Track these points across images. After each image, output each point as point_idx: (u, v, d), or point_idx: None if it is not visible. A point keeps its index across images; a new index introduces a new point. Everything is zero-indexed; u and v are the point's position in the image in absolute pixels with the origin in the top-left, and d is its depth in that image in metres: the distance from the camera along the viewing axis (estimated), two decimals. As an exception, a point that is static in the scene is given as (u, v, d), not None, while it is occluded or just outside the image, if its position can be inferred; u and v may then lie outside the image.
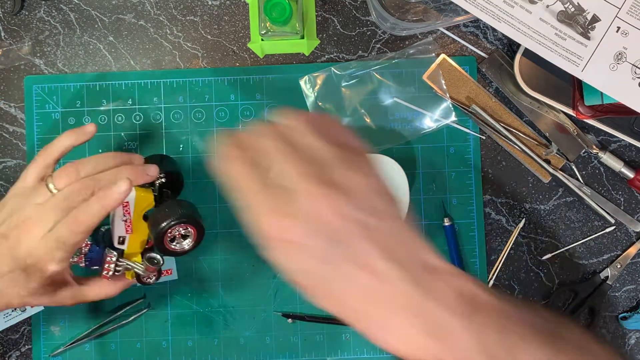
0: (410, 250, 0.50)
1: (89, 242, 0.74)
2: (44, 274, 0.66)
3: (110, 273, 0.72)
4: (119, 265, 0.72)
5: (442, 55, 0.83)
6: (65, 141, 0.71)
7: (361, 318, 0.48)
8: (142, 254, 0.73)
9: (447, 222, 0.82)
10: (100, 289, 0.73)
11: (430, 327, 0.47)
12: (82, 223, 0.65)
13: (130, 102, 0.83)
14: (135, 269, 0.73)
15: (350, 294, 0.47)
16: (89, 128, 0.72)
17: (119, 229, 0.72)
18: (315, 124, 0.51)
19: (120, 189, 0.66)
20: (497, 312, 0.48)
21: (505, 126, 0.83)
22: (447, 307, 0.47)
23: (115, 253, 0.72)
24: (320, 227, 0.47)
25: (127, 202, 0.70)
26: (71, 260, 0.72)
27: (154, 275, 0.75)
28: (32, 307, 0.71)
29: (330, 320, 0.83)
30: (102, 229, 0.76)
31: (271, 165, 0.49)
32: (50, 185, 0.67)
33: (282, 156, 0.48)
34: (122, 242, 0.72)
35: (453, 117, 0.84)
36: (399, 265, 0.47)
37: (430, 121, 0.84)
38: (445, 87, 0.83)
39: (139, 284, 0.75)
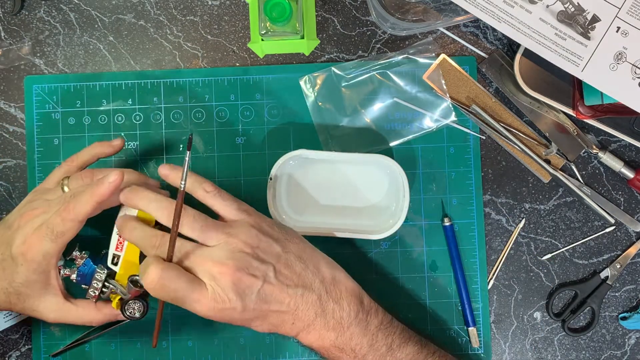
0: (313, 271, 0.67)
1: (85, 255, 0.73)
2: (31, 265, 0.67)
3: (97, 292, 0.71)
4: (106, 286, 0.72)
5: (442, 55, 0.83)
6: (91, 151, 0.75)
7: (290, 327, 0.67)
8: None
9: (447, 222, 0.83)
10: (84, 311, 0.72)
11: (338, 325, 0.67)
12: (72, 210, 0.67)
13: (130, 102, 0.83)
14: (119, 290, 0.71)
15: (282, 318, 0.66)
16: (117, 142, 0.76)
17: (112, 245, 0.72)
18: None
19: (110, 179, 0.67)
20: (384, 322, 0.70)
21: (505, 126, 0.83)
22: (354, 313, 0.67)
23: (105, 271, 0.72)
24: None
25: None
26: (63, 272, 0.72)
27: (140, 309, 0.72)
28: (14, 311, 0.70)
29: None
30: (103, 252, 0.76)
31: None
32: (65, 187, 0.71)
33: None
34: (115, 263, 0.72)
35: (453, 117, 0.84)
36: (304, 288, 0.66)
37: (430, 121, 0.84)
38: (445, 87, 0.83)
39: (124, 319, 0.73)
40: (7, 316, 0.82)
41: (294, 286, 0.65)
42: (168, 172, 0.68)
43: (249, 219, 0.67)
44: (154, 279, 0.62)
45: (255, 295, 0.64)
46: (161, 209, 0.66)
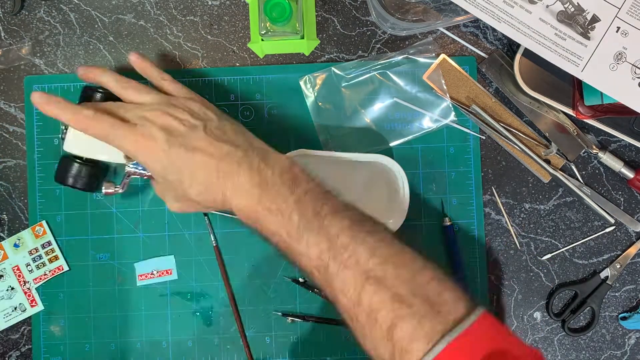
0: (243, 137, 0.69)
1: None
2: None
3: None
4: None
5: (442, 55, 0.83)
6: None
7: (217, 191, 0.67)
8: None
9: (447, 222, 0.83)
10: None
11: (263, 182, 0.65)
12: None
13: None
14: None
15: (196, 175, 0.67)
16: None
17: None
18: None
19: None
20: (316, 190, 0.66)
21: (505, 126, 0.83)
22: (278, 173, 0.66)
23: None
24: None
25: None
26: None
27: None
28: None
29: (330, 320, 0.83)
30: None
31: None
32: None
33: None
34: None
35: (453, 117, 0.84)
36: (231, 144, 0.67)
37: (430, 121, 0.84)
38: (445, 87, 0.83)
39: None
40: (7, 316, 0.82)
41: (221, 141, 0.67)
42: (135, 59, 0.76)
43: (194, 97, 0.72)
44: (87, 114, 0.68)
45: (181, 138, 0.67)
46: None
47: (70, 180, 0.78)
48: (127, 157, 0.76)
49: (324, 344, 0.83)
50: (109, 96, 0.75)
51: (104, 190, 0.78)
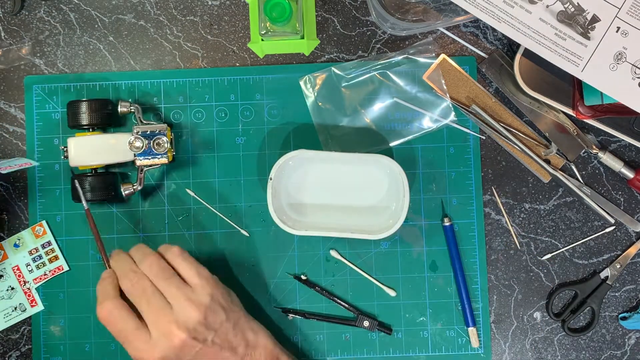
0: (243, 337, 0.74)
1: None
2: None
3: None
4: None
5: (442, 55, 0.83)
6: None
7: None
8: None
9: (446, 222, 0.83)
10: None
11: None
12: None
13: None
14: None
15: None
16: None
17: None
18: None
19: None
20: None
21: (505, 126, 0.83)
22: None
23: None
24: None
25: None
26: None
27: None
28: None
29: (330, 319, 0.83)
30: None
31: None
32: None
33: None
34: None
35: (453, 117, 0.84)
36: (232, 352, 0.72)
37: (430, 121, 0.84)
38: (445, 87, 0.83)
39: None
40: (7, 316, 0.82)
41: (225, 349, 0.72)
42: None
43: (207, 287, 0.72)
44: (109, 309, 0.70)
45: (193, 355, 0.70)
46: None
47: (89, 195, 0.79)
48: (135, 149, 0.77)
49: (324, 344, 0.83)
50: (95, 106, 0.78)
51: (124, 193, 0.79)
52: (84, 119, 0.79)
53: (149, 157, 0.78)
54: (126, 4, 0.84)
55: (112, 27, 0.84)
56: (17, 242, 0.83)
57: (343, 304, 0.83)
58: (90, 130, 0.80)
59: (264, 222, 0.83)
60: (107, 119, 0.80)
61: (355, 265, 0.83)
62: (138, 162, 0.78)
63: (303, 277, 0.83)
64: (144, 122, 0.80)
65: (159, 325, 0.69)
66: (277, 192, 0.80)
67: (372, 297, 0.84)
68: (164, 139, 0.78)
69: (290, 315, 0.83)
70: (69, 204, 0.83)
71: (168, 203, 0.84)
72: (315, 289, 0.83)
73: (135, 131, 0.78)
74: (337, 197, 0.82)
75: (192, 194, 0.83)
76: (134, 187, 0.79)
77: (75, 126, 0.80)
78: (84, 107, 0.78)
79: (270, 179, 0.79)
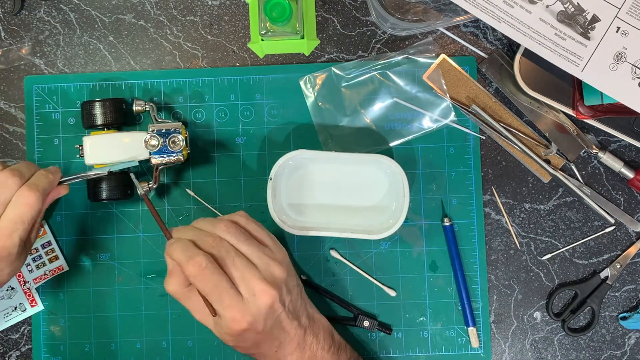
0: (306, 309, 0.74)
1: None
2: None
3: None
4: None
5: (442, 56, 0.83)
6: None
7: (272, 354, 0.71)
8: None
9: (446, 222, 0.83)
10: None
11: (310, 355, 0.72)
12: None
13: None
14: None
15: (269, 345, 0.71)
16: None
17: None
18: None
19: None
20: (350, 350, 0.77)
21: (505, 126, 0.83)
22: (323, 345, 0.73)
23: None
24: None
25: None
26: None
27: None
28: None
29: (330, 318, 0.83)
30: None
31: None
32: None
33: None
34: None
35: (453, 117, 0.84)
36: (298, 321, 0.71)
37: (430, 121, 0.84)
38: (445, 87, 0.83)
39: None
40: (7, 316, 0.82)
41: (294, 318, 0.71)
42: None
43: (280, 247, 0.72)
44: (201, 264, 0.65)
45: (274, 319, 0.69)
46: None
47: (105, 194, 0.79)
48: (151, 147, 0.77)
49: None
50: (109, 106, 0.78)
51: (139, 191, 0.78)
52: (99, 119, 0.79)
53: (165, 155, 0.78)
54: (126, 4, 0.84)
55: (112, 27, 0.84)
56: (17, 242, 0.83)
57: (343, 304, 0.83)
58: (105, 129, 0.80)
59: (264, 223, 0.83)
60: (122, 118, 0.80)
61: (355, 265, 0.83)
62: (154, 160, 0.78)
63: (303, 277, 0.83)
64: (159, 120, 0.80)
65: (250, 285, 0.66)
66: (277, 192, 0.80)
67: (372, 297, 0.84)
68: (180, 137, 0.78)
69: None
70: (69, 204, 0.83)
71: (168, 203, 0.84)
72: (319, 291, 0.83)
73: (150, 129, 0.78)
74: (337, 197, 0.82)
75: (192, 194, 0.83)
76: (150, 185, 0.79)
77: (90, 126, 0.80)
78: (98, 106, 0.79)
79: (270, 178, 0.79)
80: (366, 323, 0.82)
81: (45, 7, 0.84)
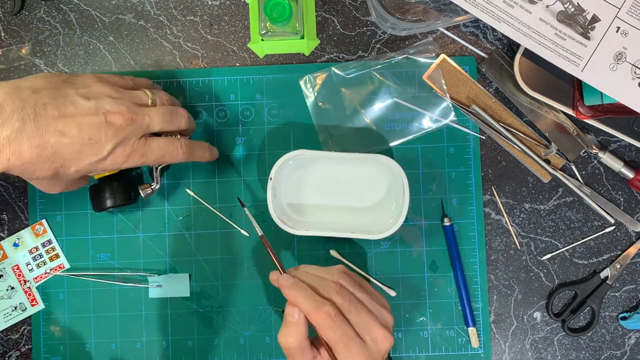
0: None
1: None
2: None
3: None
4: None
5: (442, 55, 0.83)
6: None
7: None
8: None
9: (446, 222, 0.83)
10: None
11: None
12: (187, 155, 0.74)
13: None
14: None
15: None
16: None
17: None
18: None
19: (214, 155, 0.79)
20: None
21: (505, 126, 0.83)
22: None
23: None
24: None
25: None
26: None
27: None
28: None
29: None
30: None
31: None
32: (151, 100, 0.73)
33: None
34: None
35: (453, 117, 0.84)
36: None
37: (430, 121, 0.84)
38: (445, 87, 0.83)
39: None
40: (6, 316, 0.82)
41: None
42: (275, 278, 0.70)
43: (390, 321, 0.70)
44: (330, 313, 0.64)
45: None
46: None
47: (109, 202, 0.79)
48: None
49: (324, 344, 0.83)
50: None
51: (142, 194, 0.79)
52: None
53: None
54: (126, 4, 0.84)
55: (112, 27, 0.84)
56: (17, 242, 0.83)
57: None
58: None
59: (264, 222, 0.83)
60: None
61: (355, 265, 0.83)
62: None
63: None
64: None
65: (371, 331, 0.66)
66: (277, 192, 0.80)
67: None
68: (178, 136, 0.77)
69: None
70: (69, 204, 0.83)
71: (168, 203, 0.84)
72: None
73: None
74: (337, 197, 0.82)
75: (192, 194, 0.83)
76: (153, 187, 0.79)
77: None
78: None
79: (270, 178, 0.79)
80: None
81: (45, 7, 0.84)
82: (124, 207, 0.81)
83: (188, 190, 0.83)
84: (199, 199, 0.83)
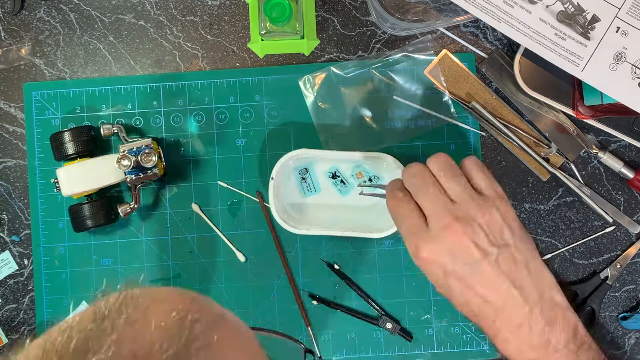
0: (535, 281, 0.63)
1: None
2: None
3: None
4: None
5: (444, 51, 0.83)
6: None
7: (490, 325, 0.63)
8: None
9: None
10: None
11: (544, 346, 0.61)
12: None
13: (130, 107, 0.83)
14: None
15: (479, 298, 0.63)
16: None
17: None
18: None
19: None
20: (594, 352, 0.63)
21: (505, 123, 0.83)
22: (564, 340, 0.62)
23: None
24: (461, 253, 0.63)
25: None
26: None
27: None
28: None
29: (353, 312, 0.83)
30: None
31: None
32: None
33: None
34: None
35: (453, 114, 0.83)
36: (520, 291, 0.62)
37: (430, 118, 0.84)
38: (444, 83, 0.83)
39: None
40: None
41: (510, 282, 0.62)
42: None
43: (501, 203, 0.65)
44: (416, 169, 0.66)
45: (466, 265, 0.62)
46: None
47: (89, 223, 0.79)
48: (124, 167, 0.77)
49: (329, 344, 0.83)
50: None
51: (121, 213, 0.80)
52: (69, 149, 0.79)
53: (140, 173, 0.78)
54: (126, 4, 0.84)
55: (112, 27, 0.84)
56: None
57: (371, 302, 0.83)
58: (78, 158, 0.80)
59: (265, 223, 0.83)
60: (92, 144, 0.81)
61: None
62: (129, 180, 0.78)
63: (336, 267, 0.84)
64: (129, 140, 0.80)
65: (437, 218, 0.63)
66: (278, 191, 0.80)
67: (378, 295, 0.84)
68: (152, 152, 0.78)
69: (316, 301, 0.83)
70: (70, 203, 0.83)
71: (170, 206, 0.83)
72: (346, 282, 0.83)
73: (121, 150, 0.78)
74: (338, 197, 0.82)
75: (198, 210, 0.83)
76: (132, 207, 0.80)
77: (62, 157, 0.80)
78: (66, 136, 0.79)
79: (272, 178, 0.79)
80: (389, 325, 0.82)
81: (45, 7, 0.84)
82: (105, 226, 0.81)
83: (194, 205, 0.83)
84: (204, 216, 0.83)
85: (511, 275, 0.62)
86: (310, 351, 0.58)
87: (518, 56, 0.80)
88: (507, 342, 0.63)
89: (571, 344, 0.62)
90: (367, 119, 0.84)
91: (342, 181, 0.83)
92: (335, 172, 0.83)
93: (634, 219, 0.84)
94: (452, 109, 0.84)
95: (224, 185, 0.83)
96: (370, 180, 0.82)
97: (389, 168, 0.81)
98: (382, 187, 0.73)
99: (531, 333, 0.62)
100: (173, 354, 0.37)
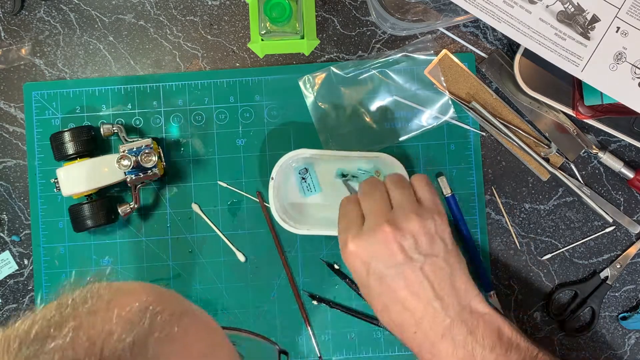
0: (458, 294, 0.65)
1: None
2: None
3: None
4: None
5: (444, 51, 0.83)
6: None
7: (412, 337, 0.65)
8: None
9: (447, 194, 0.83)
10: None
11: (464, 355, 0.63)
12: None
13: (130, 107, 0.83)
14: None
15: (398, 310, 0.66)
16: None
17: None
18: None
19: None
20: (524, 350, 0.64)
21: (505, 123, 0.83)
22: (489, 348, 0.63)
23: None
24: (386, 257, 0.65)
25: None
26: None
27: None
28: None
29: (353, 312, 0.83)
30: None
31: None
32: None
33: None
34: None
35: (453, 114, 0.84)
36: (441, 302, 0.64)
37: (430, 118, 0.84)
38: (444, 83, 0.83)
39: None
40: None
41: (432, 290, 0.65)
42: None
43: (436, 215, 0.67)
44: (368, 183, 0.71)
45: (389, 268, 0.65)
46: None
47: (89, 223, 0.79)
48: (124, 167, 0.77)
49: (329, 344, 0.83)
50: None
51: (122, 213, 0.80)
52: (69, 149, 0.79)
53: (140, 173, 0.78)
54: (126, 4, 0.84)
55: (112, 27, 0.84)
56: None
57: None
58: (78, 158, 0.80)
59: (266, 223, 0.83)
60: (92, 144, 0.81)
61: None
62: (129, 180, 0.78)
63: (336, 266, 0.83)
64: (129, 140, 0.80)
65: (372, 218, 0.66)
66: (279, 191, 0.80)
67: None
68: (152, 152, 0.78)
69: (316, 301, 0.83)
70: (70, 203, 0.83)
71: (170, 207, 0.84)
72: (346, 282, 0.83)
73: (121, 150, 0.78)
74: (338, 196, 0.82)
75: (198, 211, 0.83)
76: (131, 207, 0.80)
77: (62, 157, 0.80)
78: (66, 136, 0.79)
79: (272, 178, 0.79)
80: None
81: (45, 7, 0.84)
82: (105, 226, 0.81)
83: (194, 205, 0.83)
84: (204, 216, 0.83)
85: (434, 284, 0.65)
86: (284, 352, 0.59)
87: (518, 56, 0.80)
88: (432, 356, 0.65)
89: (498, 348, 0.64)
90: (367, 119, 0.84)
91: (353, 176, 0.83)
92: (343, 173, 0.83)
93: (634, 219, 0.84)
94: (452, 109, 0.84)
95: (224, 185, 0.83)
96: (344, 176, 0.83)
97: (389, 168, 0.81)
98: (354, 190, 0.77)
99: (454, 345, 0.64)
100: (131, 342, 0.39)
